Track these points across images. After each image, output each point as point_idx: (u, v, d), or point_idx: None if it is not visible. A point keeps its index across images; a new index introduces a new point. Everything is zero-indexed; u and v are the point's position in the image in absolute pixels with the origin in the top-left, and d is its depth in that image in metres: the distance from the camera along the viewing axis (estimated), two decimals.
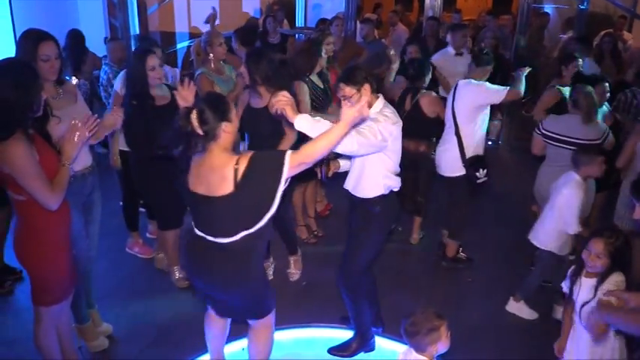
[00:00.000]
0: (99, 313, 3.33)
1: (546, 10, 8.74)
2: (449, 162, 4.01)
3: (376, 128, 2.66)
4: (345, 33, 6.46)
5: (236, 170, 2.20)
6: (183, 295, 3.73)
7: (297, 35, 7.72)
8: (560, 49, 6.95)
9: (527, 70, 4.00)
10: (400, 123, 2.85)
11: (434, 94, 4.16)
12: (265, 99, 3.38)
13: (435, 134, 4.25)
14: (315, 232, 4.61)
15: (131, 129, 3.35)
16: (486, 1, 14.28)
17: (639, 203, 2.21)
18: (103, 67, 4.87)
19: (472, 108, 3.89)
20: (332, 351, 3.24)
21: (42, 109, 2.46)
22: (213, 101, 2.27)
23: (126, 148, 3.75)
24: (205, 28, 5.34)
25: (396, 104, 4.03)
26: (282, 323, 2.81)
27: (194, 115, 2.20)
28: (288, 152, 2.23)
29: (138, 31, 6.84)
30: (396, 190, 2.97)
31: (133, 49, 5.64)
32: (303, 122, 2.52)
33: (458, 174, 4.00)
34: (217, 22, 5.10)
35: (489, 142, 6.22)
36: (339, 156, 2.91)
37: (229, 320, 2.81)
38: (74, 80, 4.55)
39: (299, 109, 3.89)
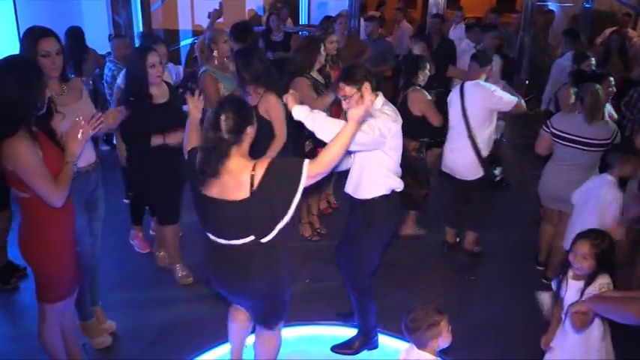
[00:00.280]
0: (103, 310, 3.34)
1: (551, 7, 8.71)
2: (466, 166, 4.02)
3: (374, 124, 2.66)
4: (349, 31, 6.45)
5: (252, 177, 2.18)
6: (187, 293, 3.74)
7: (300, 33, 7.71)
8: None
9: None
10: (400, 121, 2.85)
11: (423, 92, 4.09)
12: (254, 98, 3.36)
13: (424, 135, 4.20)
14: (319, 230, 4.61)
15: (127, 125, 3.29)
16: None
17: None
18: (107, 64, 4.87)
19: (485, 111, 3.91)
20: (335, 349, 3.24)
21: (46, 106, 2.46)
22: (238, 105, 2.23)
23: None
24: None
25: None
26: (285, 320, 2.81)
27: (223, 120, 2.17)
28: (306, 161, 2.21)
29: (141, 29, 6.86)
30: (398, 190, 2.95)
31: (137, 46, 5.64)
32: (300, 111, 2.58)
33: (476, 176, 4.01)
34: (221, 19, 5.10)
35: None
36: (320, 143, 2.92)
37: (251, 321, 2.80)
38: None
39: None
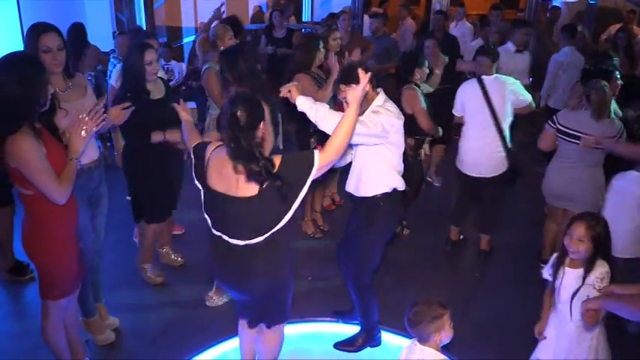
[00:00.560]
0: (106, 306, 3.35)
1: (555, 4, 8.68)
2: (492, 162, 4.00)
3: (377, 119, 2.67)
4: (352, 28, 6.43)
5: None
6: (190, 290, 3.74)
7: (303, 30, 7.69)
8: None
9: None
10: (402, 118, 2.85)
11: (417, 91, 4.03)
12: None
13: (419, 132, 4.14)
14: (321, 227, 4.61)
15: (126, 122, 3.21)
16: None
17: None
18: (112, 60, 4.87)
19: (507, 106, 3.93)
20: (338, 346, 3.24)
21: (49, 103, 2.46)
22: (250, 101, 2.21)
23: None
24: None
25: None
26: (288, 318, 2.82)
27: (238, 116, 2.15)
28: (317, 152, 2.21)
29: (144, 26, 6.86)
30: (400, 189, 2.94)
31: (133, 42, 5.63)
32: (304, 102, 2.60)
33: (500, 172, 4.01)
34: (225, 16, 5.10)
35: None
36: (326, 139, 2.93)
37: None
38: None
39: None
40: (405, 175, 3.01)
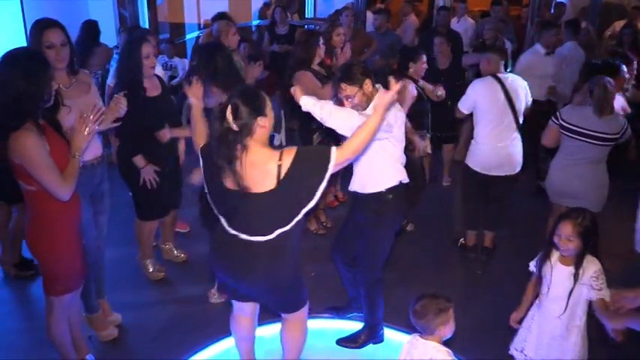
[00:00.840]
0: (109, 302, 3.36)
1: (559, 0, 8.62)
2: (513, 161, 3.99)
3: None
4: (355, 24, 6.41)
5: (279, 166, 2.17)
6: (193, 286, 3.74)
7: (306, 26, 7.68)
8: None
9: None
10: (403, 111, 2.89)
11: (406, 82, 3.97)
12: (217, 99, 3.18)
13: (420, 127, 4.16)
14: (325, 223, 4.61)
15: (123, 120, 3.13)
16: None
17: None
18: (115, 56, 4.87)
19: (523, 104, 3.94)
20: (341, 342, 3.25)
21: (53, 99, 2.46)
22: (247, 96, 2.20)
23: None
24: None
25: None
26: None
27: (229, 111, 2.15)
28: (334, 149, 2.20)
29: (147, 22, 6.85)
30: (405, 182, 2.95)
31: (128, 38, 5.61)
32: (308, 101, 2.59)
33: (519, 169, 4.02)
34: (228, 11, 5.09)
35: None
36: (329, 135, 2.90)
37: (256, 321, 2.79)
38: None
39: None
40: (407, 170, 3.02)
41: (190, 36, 8.21)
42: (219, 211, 2.35)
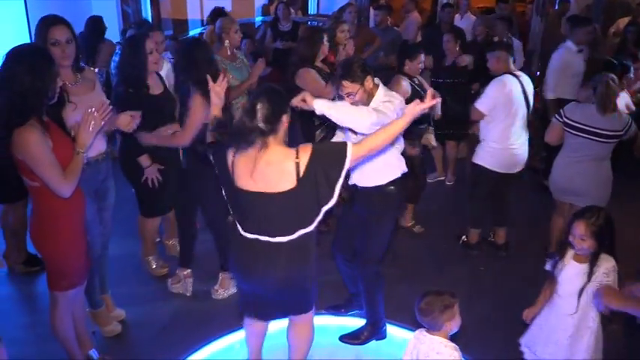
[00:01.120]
0: (112, 298, 3.37)
1: None
2: (525, 156, 4.00)
3: (392, 107, 2.69)
4: (358, 20, 6.40)
5: (297, 164, 2.15)
6: (196, 282, 3.75)
7: (309, 22, 7.66)
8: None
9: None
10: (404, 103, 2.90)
11: (401, 79, 3.98)
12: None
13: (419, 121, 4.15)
14: (327, 221, 4.60)
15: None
16: None
17: None
18: (118, 51, 4.87)
19: (532, 102, 3.94)
20: (344, 339, 3.25)
21: (57, 96, 2.46)
22: (273, 94, 2.21)
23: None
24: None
25: None
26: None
27: (259, 108, 2.14)
28: (350, 144, 2.19)
29: (150, 18, 6.86)
30: (405, 172, 2.99)
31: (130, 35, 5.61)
32: (322, 104, 2.56)
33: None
34: (230, 9, 5.09)
35: None
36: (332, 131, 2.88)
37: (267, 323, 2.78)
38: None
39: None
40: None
41: (193, 32, 8.21)
42: (234, 212, 2.33)
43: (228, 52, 4.09)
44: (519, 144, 3.95)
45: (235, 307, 3.31)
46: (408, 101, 3.98)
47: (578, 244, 2.42)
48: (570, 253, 2.51)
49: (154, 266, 3.87)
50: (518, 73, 3.95)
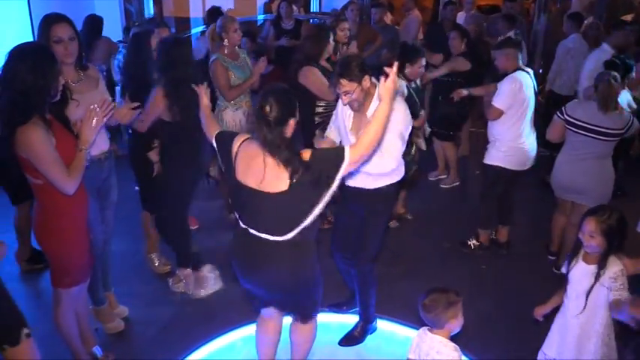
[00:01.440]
0: (115, 295, 3.39)
1: None
2: (534, 152, 3.99)
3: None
4: (361, 18, 6.39)
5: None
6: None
7: (311, 20, 7.66)
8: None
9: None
10: None
11: (400, 85, 3.93)
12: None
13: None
14: (329, 218, 4.61)
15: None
16: None
17: None
18: (121, 49, 4.88)
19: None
20: (343, 342, 3.26)
21: (60, 94, 2.47)
22: (281, 96, 2.20)
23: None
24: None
25: None
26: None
27: (267, 110, 2.15)
28: (347, 148, 2.19)
29: (151, 16, 6.86)
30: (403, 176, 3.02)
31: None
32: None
33: None
34: (232, 7, 5.09)
35: None
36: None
37: (281, 325, 2.77)
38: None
39: (314, 95, 3.89)
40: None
41: (196, 30, 8.20)
42: (234, 204, 2.36)
43: (226, 51, 4.09)
44: (531, 141, 3.95)
45: (238, 304, 3.33)
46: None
47: (586, 241, 2.41)
48: (580, 253, 2.49)
49: (157, 264, 3.89)
50: (528, 69, 3.94)
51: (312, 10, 9.15)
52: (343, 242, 3.16)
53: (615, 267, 2.37)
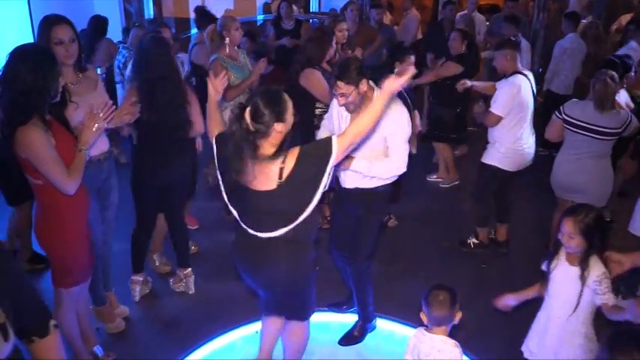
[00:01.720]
0: (116, 295, 3.40)
1: None
2: (533, 154, 4.00)
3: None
4: (360, 18, 6.39)
5: (281, 169, 2.16)
6: (199, 279, 3.77)
7: (311, 20, 7.67)
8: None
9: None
10: None
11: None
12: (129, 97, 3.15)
13: None
14: (328, 218, 4.62)
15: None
16: None
17: None
18: (121, 50, 4.88)
19: None
20: (342, 342, 3.28)
21: (60, 95, 2.48)
22: (270, 98, 2.15)
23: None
24: (219, 14, 5.34)
25: None
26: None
27: (247, 111, 2.14)
28: (334, 138, 2.18)
29: (153, 17, 6.87)
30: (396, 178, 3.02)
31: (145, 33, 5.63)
32: (362, 165, 2.73)
33: None
34: (232, 7, 5.10)
35: None
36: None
37: (283, 322, 2.79)
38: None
39: (314, 97, 3.89)
40: None
41: (195, 31, 8.22)
42: (230, 202, 2.37)
43: (227, 50, 4.09)
44: (530, 143, 3.96)
45: (238, 304, 3.34)
46: None
47: (566, 242, 2.38)
48: (563, 254, 2.47)
49: (157, 263, 3.90)
50: (526, 71, 3.94)
51: (311, 10, 9.16)
52: (340, 241, 3.17)
53: (598, 270, 2.33)
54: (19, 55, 2.34)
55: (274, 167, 2.17)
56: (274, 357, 2.91)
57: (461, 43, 4.97)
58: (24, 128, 2.29)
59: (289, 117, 2.19)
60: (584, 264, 2.35)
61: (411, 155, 4.05)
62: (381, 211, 3.09)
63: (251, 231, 2.31)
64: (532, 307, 3.63)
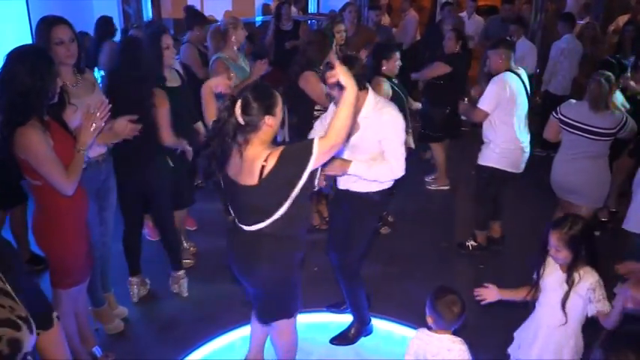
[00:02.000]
0: (114, 296, 3.40)
1: None
2: (528, 154, 4.00)
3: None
4: (358, 19, 6.41)
5: (263, 167, 2.18)
6: (198, 280, 3.78)
7: (309, 22, 7.67)
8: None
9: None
10: None
11: (382, 84, 3.92)
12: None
13: None
14: (327, 218, 4.63)
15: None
16: None
17: None
18: None
19: None
20: (334, 341, 3.26)
21: (58, 96, 2.49)
22: (260, 92, 2.20)
23: None
24: (219, 16, 5.34)
25: None
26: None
27: (238, 105, 2.17)
28: (316, 139, 2.18)
29: (151, 19, 6.87)
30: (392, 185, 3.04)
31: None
32: (360, 167, 2.74)
33: None
34: (230, 8, 5.10)
35: None
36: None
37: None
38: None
39: (314, 100, 3.90)
40: None
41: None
42: (226, 195, 2.40)
43: (235, 48, 4.11)
44: (524, 142, 3.96)
45: (237, 305, 3.34)
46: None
47: (554, 254, 2.36)
48: (550, 262, 2.44)
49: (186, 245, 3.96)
50: (519, 70, 3.96)
51: (309, 12, 9.17)
52: (336, 242, 3.17)
53: (591, 278, 2.31)
54: (17, 56, 2.35)
55: (257, 164, 2.20)
56: (271, 357, 2.91)
57: (455, 43, 4.99)
58: (22, 129, 2.29)
59: (279, 111, 2.24)
60: (569, 272, 2.33)
61: (410, 150, 4.09)
62: (372, 219, 3.10)
63: (238, 223, 2.37)
64: (532, 307, 3.65)
